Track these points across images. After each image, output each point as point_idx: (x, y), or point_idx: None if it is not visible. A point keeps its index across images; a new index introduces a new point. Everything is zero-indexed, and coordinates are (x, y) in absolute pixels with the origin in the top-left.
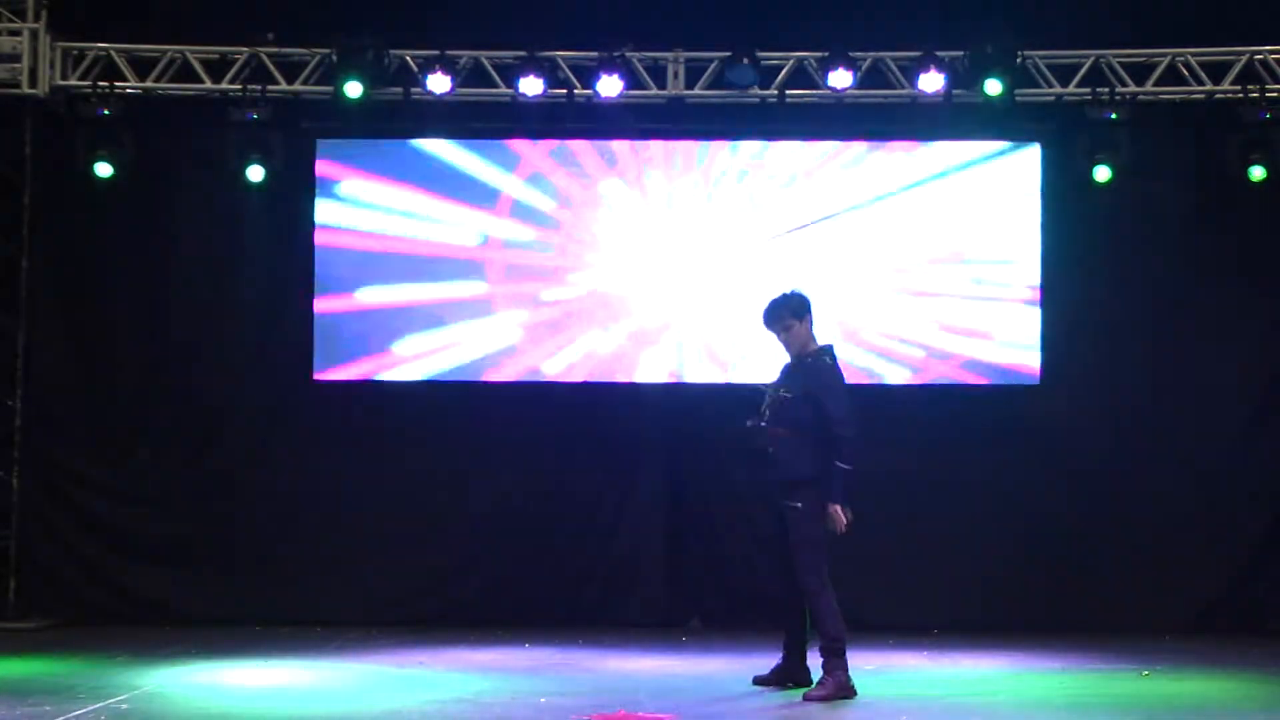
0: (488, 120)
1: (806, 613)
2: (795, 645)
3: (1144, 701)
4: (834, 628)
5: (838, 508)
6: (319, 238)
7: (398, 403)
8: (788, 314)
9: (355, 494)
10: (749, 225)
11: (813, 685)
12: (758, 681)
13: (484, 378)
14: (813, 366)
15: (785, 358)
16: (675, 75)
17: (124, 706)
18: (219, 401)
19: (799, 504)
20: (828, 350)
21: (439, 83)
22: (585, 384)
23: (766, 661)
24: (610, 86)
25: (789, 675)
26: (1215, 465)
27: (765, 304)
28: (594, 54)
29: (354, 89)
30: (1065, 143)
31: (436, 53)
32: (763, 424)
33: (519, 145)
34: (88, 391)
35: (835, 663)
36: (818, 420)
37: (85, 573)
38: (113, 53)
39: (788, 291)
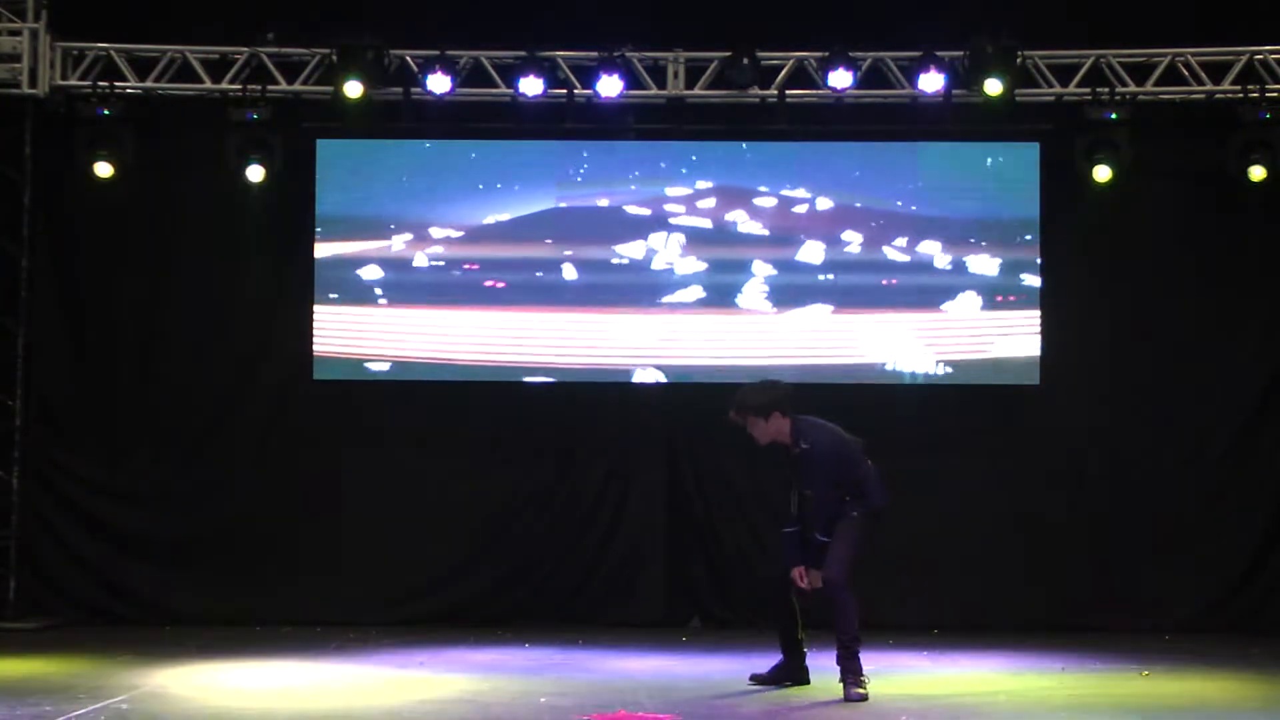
0: (488, 120)
1: (798, 613)
2: (792, 645)
3: (1144, 701)
4: (853, 625)
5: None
6: (319, 237)
7: (397, 402)
8: (749, 414)
9: (355, 494)
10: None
11: (807, 681)
12: (755, 680)
13: (485, 377)
14: (807, 454)
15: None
16: (675, 75)
17: (124, 706)
18: (219, 402)
19: (854, 513)
20: (807, 431)
21: (439, 83)
22: (585, 384)
23: (766, 661)
24: (610, 86)
25: (788, 674)
26: (1215, 466)
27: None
28: (594, 54)
29: (354, 89)
30: (1065, 143)
31: (436, 53)
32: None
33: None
34: (88, 392)
35: (854, 665)
36: (839, 480)
37: (85, 573)
38: (113, 53)
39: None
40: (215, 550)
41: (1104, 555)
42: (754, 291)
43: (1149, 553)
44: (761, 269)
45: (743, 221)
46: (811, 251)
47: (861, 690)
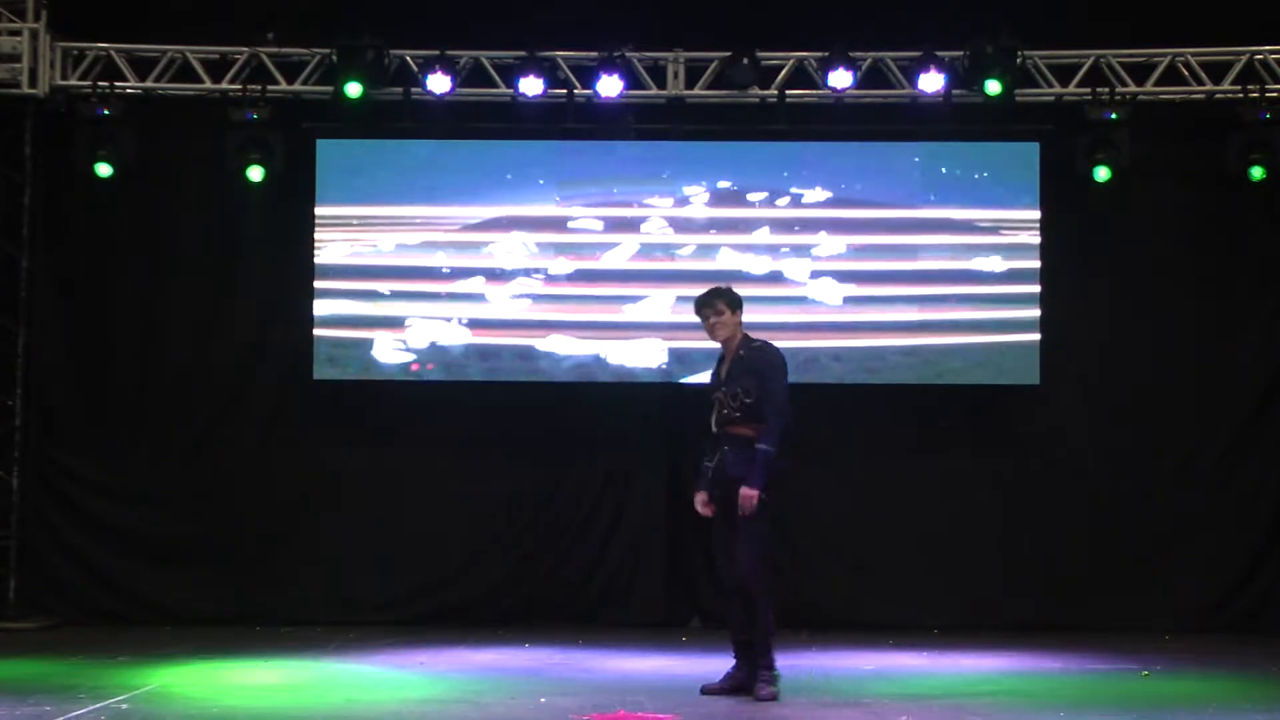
0: (488, 120)
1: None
2: (749, 651)
3: (1144, 701)
4: (772, 624)
5: (754, 493)
6: (319, 237)
7: (397, 402)
8: (721, 301)
9: (355, 494)
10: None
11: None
12: (706, 691)
13: (483, 376)
14: (759, 351)
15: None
16: (675, 75)
17: (124, 706)
18: (219, 401)
19: (762, 494)
20: (755, 338)
21: (439, 83)
22: (583, 383)
23: None
24: (610, 86)
25: (742, 682)
26: (1215, 466)
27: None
28: (594, 54)
29: (354, 89)
30: (1065, 143)
31: (436, 53)
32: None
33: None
34: (88, 391)
35: (771, 661)
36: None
37: (85, 573)
38: (113, 53)
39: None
40: (215, 550)
41: (1103, 555)
42: (752, 290)
43: (1148, 553)
44: (761, 268)
45: (741, 221)
46: (811, 250)
47: (774, 689)
